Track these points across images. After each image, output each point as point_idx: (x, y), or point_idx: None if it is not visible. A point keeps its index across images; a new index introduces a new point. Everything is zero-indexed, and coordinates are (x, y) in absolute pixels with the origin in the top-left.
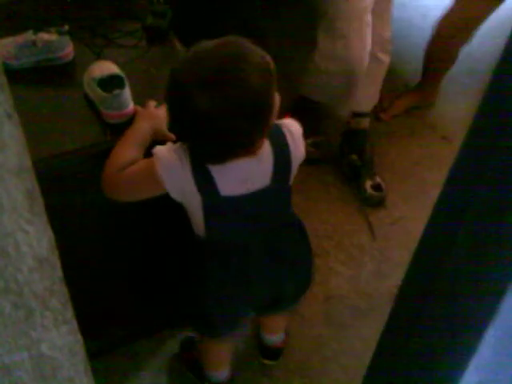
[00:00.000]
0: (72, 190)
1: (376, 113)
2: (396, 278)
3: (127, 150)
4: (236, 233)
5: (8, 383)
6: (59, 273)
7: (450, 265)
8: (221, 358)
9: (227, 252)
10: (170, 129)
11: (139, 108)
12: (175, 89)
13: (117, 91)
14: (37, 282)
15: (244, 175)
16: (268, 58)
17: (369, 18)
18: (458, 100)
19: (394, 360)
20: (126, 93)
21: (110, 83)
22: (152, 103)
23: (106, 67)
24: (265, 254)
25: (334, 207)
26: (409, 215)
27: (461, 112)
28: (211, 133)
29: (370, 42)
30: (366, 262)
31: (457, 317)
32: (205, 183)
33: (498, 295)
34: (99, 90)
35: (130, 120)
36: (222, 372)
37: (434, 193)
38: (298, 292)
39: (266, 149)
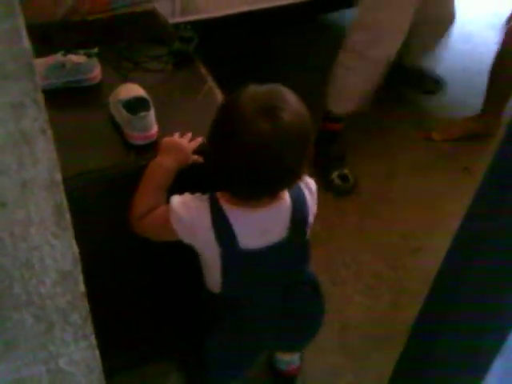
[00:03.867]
0: (95, 208)
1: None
2: (413, 309)
3: (148, 195)
4: (252, 287)
5: None
6: (82, 288)
7: (466, 297)
8: None
9: (241, 308)
10: (212, 164)
11: (165, 139)
12: (233, 119)
13: (142, 113)
14: (59, 295)
15: (263, 226)
16: None
17: None
18: None
19: None
20: (151, 115)
21: (136, 105)
22: (177, 134)
23: (132, 90)
24: (277, 309)
25: (353, 236)
26: (429, 246)
27: (483, 144)
28: (265, 159)
29: None
30: (383, 292)
31: (469, 351)
32: (224, 234)
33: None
34: (125, 112)
35: (154, 142)
36: None
37: (455, 224)
38: (306, 342)
39: (286, 199)
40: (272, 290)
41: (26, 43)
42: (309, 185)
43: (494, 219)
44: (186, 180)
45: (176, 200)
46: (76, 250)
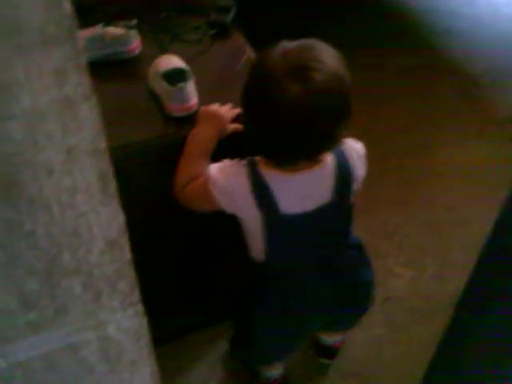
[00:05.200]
0: (135, 180)
1: None
2: (458, 281)
3: (190, 165)
4: (296, 254)
5: (74, 362)
6: (128, 256)
7: None
8: (273, 370)
9: (286, 277)
10: (247, 127)
11: (202, 108)
12: (263, 80)
13: (181, 84)
14: (106, 263)
15: (305, 191)
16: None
17: None
18: None
19: (454, 363)
20: (190, 86)
21: (175, 77)
22: (216, 103)
23: (171, 61)
24: (324, 276)
25: (395, 207)
26: (474, 217)
27: None
28: (297, 122)
29: None
30: (427, 265)
31: None
32: (265, 200)
33: None
34: (164, 83)
35: (194, 114)
36: (275, 373)
37: (501, 195)
38: (357, 315)
39: (329, 163)
40: (317, 255)
41: (67, 7)
42: (356, 149)
43: None
44: (226, 149)
45: (214, 167)
46: (122, 218)
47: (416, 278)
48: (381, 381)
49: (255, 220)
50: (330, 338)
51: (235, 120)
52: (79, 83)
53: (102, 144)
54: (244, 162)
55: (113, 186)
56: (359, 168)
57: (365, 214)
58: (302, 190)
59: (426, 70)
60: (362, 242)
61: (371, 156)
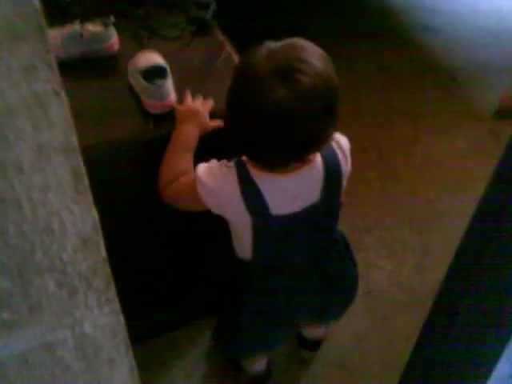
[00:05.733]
0: (116, 177)
1: None
2: (438, 273)
3: (173, 163)
4: (283, 253)
5: (50, 361)
6: (103, 253)
7: (491, 260)
8: (257, 362)
9: (273, 275)
10: (232, 130)
11: (179, 107)
12: (248, 83)
13: (159, 82)
14: (81, 261)
15: (295, 191)
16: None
17: None
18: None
19: (434, 354)
20: (169, 83)
21: (153, 74)
22: (189, 98)
23: (150, 58)
24: (311, 273)
25: (376, 201)
26: (454, 210)
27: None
28: (284, 125)
29: None
30: (407, 257)
31: (493, 311)
32: (254, 202)
33: None
34: (142, 81)
35: (172, 111)
36: (258, 367)
37: (480, 187)
38: (343, 308)
39: (318, 162)
40: (304, 253)
41: (36, 3)
42: (341, 146)
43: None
44: (210, 147)
45: (202, 169)
46: (96, 215)
47: (397, 271)
48: (363, 371)
49: (244, 222)
50: (312, 332)
51: (213, 114)
52: (49, 79)
53: (74, 141)
54: (232, 163)
55: (85, 183)
56: (345, 164)
57: (345, 207)
58: (292, 191)
59: (406, 65)
60: (346, 237)
61: (351, 150)
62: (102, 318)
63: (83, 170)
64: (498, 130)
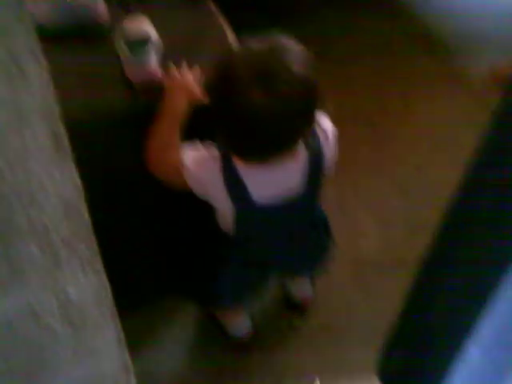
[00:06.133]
0: (100, 147)
1: None
2: (426, 239)
3: (163, 135)
4: (263, 233)
5: (35, 328)
6: (86, 219)
7: (477, 226)
8: (235, 317)
9: (251, 247)
10: (214, 124)
11: (169, 81)
12: (227, 84)
13: (140, 50)
14: (63, 226)
15: (278, 182)
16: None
17: None
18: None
19: (418, 319)
20: (151, 53)
21: (138, 44)
22: (175, 72)
23: (136, 28)
24: (287, 246)
25: (364, 168)
26: (442, 177)
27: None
28: (262, 128)
29: None
30: (396, 224)
31: (474, 278)
32: (237, 193)
33: None
34: (127, 51)
35: (157, 81)
36: (241, 328)
37: (468, 155)
38: (315, 269)
39: (301, 152)
40: (283, 232)
41: None
42: (325, 132)
43: (503, 154)
44: (199, 117)
45: (189, 157)
46: (77, 180)
47: (385, 237)
48: (349, 335)
49: (227, 208)
50: (298, 292)
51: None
52: (26, 41)
53: (54, 104)
54: (218, 154)
55: (66, 146)
56: (331, 152)
57: (334, 175)
58: (275, 183)
59: (397, 33)
60: (325, 214)
61: (340, 118)
62: (86, 284)
63: (64, 133)
64: (488, 98)
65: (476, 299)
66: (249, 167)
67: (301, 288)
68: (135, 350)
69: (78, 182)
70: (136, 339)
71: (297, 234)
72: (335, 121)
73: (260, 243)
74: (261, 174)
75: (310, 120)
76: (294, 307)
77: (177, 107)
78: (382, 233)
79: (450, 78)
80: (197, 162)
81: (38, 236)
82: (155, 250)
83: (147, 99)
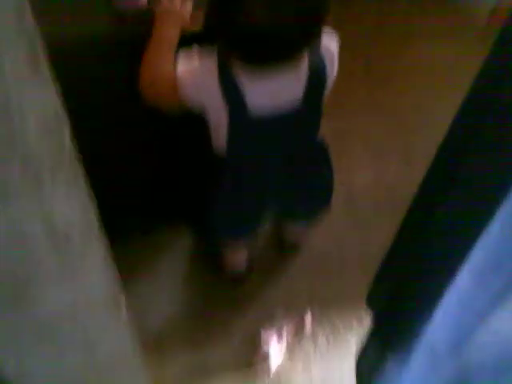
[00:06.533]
0: (89, 75)
1: None
2: (420, 178)
3: (156, 62)
4: (258, 151)
5: (21, 252)
6: (68, 142)
7: (471, 158)
8: (238, 261)
9: (246, 172)
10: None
11: (157, 9)
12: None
13: None
14: (45, 149)
15: (275, 91)
16: None
17: None
18: None
19: (410, 246)
20: None
21: None
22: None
23: None
24: (284, 174)
25: (363, 105)
26: (439, 115)
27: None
28: (266, 28)
29: None
30: (391, 161)
31: (463, 217)
32: (233, 97)
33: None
34: None
35: (144, 10)
36: (238, 263)
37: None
38: (314, 210)
39: (303, 66)
40: (279, 154)
41: None
42: (329, 49)
43: (497, 92)
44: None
45: (182, 58)
46: (58, 102)
47: (380, 174)
48: (342, 268)
49: (221, 115)
50: (292, 235)
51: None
52: None
53: (29, 16)
54: (215, 54)
55: (45, 65)
56: (333, 69)
57: (331, 111)
58: (272, 92)
59: None
60: (326, 144)
61: (339, 54)
62: (72, 212)
63: (42, 50)
64: (490, 37)
65: (471, 225)
66: (247, 74)
67: (296, 235)
68: (128, 280)
69: (59, 104)
70: (130, 271)
71: (294, 162)
72: None
73: (254, 166)
74: (258, 81)
75: (319, 19)
76: (287, 247)
77: (168, 33)
78: (377, 168)
79: (452, 16)
80: (192, 63)
81: (19, 159)
82: (149, 178)
83: (135, 25)
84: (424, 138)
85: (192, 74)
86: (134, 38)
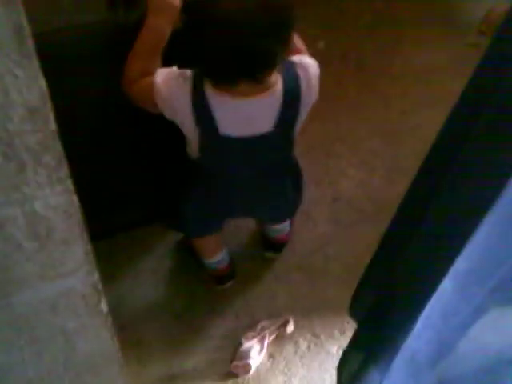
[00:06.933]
0: (74, 68)
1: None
2: (406, 184)
3: (143, 59)
4: (228, 165)
5: (1, 238)
6: (52, 127)
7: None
8: (209, 247)
9: (215, 178)
10: (188, 36)
11: None
12: None
13: None
14: (28, 133)
15: (247, 116)
16: None
17: None
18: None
19: (395, 256)
20: None
21: None
22: None
23: None
24: (250, 186)
25: (351, 111)
26: (426, 122)
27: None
28: (234, 39)
29: None
30: (377, 167)
31: (449, 228)
32: (204, 119)
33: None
34: None
35: None
36: (216, 259)
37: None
38: (276, 220)
39: (278, 90)
40: (247, 170)
41: None
42: (308, 74)
43: (488, 99)
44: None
45: (160, 75)
46: (43, 84)
47: (366, 180)
48: (325, 275)
49: (192, 133)
50: (274, 226)
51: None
52: None
53: None
54: (190, 75)
55: (30, 44)
56: (311, 94)
57: (319, 114)
58: (245, 115)
59: None
60: (298, 168)
61: (330, 55)
62: (53, 197)
63: (27, 29)
64: (481, 45)
65: (455, 236)
66: (220, 95)
67: (278, 229)
68: (110, 277)
69: (44, 86)
70: (113, 266)
71: (264, 176)
72: (324, 58)
73: (224, 177)
74: (231, 103)
75: (283, 36)
76: (270, 246)
77: (159, 29)
78: (362, 175)
79: (444, 21)
80: (167, 81)
81: (2, 143)
82: (135, 178)
83: (129, 13)
84: (412, 145)
85: (167, 90)
86: (126, 26)
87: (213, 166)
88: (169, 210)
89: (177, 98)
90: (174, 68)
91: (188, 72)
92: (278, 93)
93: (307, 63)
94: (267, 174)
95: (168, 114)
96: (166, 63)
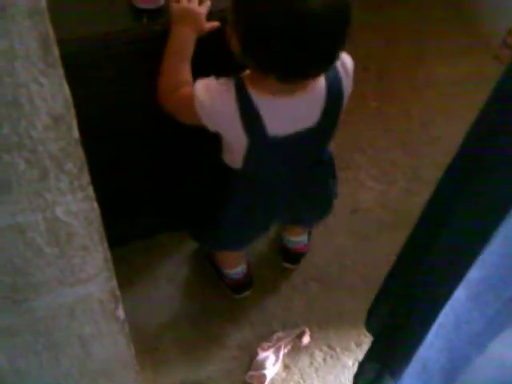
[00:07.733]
0: (100, 76)
1: None
2: (425, 196)
3: (174, 70)
4: (272, 168)
5: (21, 243)
6: (75, 134)
7: (476, 184)
8: (232, 259)
9: (257, 184)
10: (243, 41)
11: (174, 6)
12: None
13: None
14: (52, 141)
15: (294, 114)
16: None
17: None
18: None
19: (414, 268)
20: None
21: None
22: None
23: None
24: (292, 187)
25: (372, 122)
26: (447, 135)
27: None
28: (306, 34)
29: None
30: (396, 179)
31: (468, 239)
32: (252, 123)
33: None
34: None
35: (162, 7)
36: (236, 270)
37: (476, 113)
38: (316, 218)
39: (321, 86)
40: (292, 170)
41: None
42: (346, 67)
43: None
44: (208, 51)
45: (200, 86)
46: (68, 92)
47: (385, 192)
48: (342, 286)
49: (240, 141)
50: (293, 238)
51: (210, 17)
52: None
53: (42, 2)
54: (232, 81)
55: (55, 54)
56: (347, 86)
57: (340, 125)
58: (291, 114)
59: None
60: (333, 157)
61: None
62: (74, 204)
63: (53, 38)
64: (504, 57)
65: (472, 245)
66: (264, 97)
67: (297, 241)
68: (128, 282)
69: (68, 94)
70: (130, 272)
71: (304, 174)
72: None
73: (267, 180)
74: (276, 104)
75: (341, 40)
76: (289, 257)
77: (184, 37)
78: (381, 186)
79: (466, 34)
80: (208, 90)
81: (25, 149)
82: (156, 184)
83: (153, 25)
84: (432, 156)
85: (211, 102)
86: (150, 36)
87: (254, 172)
88: (195, 221)
89: (222, 107)
90: (211, 78)
91: (228, 79)
92: (321, 87)
93: (345, 59)
94: (307, 167)
95: (211, 126)
96: (200, 73)
